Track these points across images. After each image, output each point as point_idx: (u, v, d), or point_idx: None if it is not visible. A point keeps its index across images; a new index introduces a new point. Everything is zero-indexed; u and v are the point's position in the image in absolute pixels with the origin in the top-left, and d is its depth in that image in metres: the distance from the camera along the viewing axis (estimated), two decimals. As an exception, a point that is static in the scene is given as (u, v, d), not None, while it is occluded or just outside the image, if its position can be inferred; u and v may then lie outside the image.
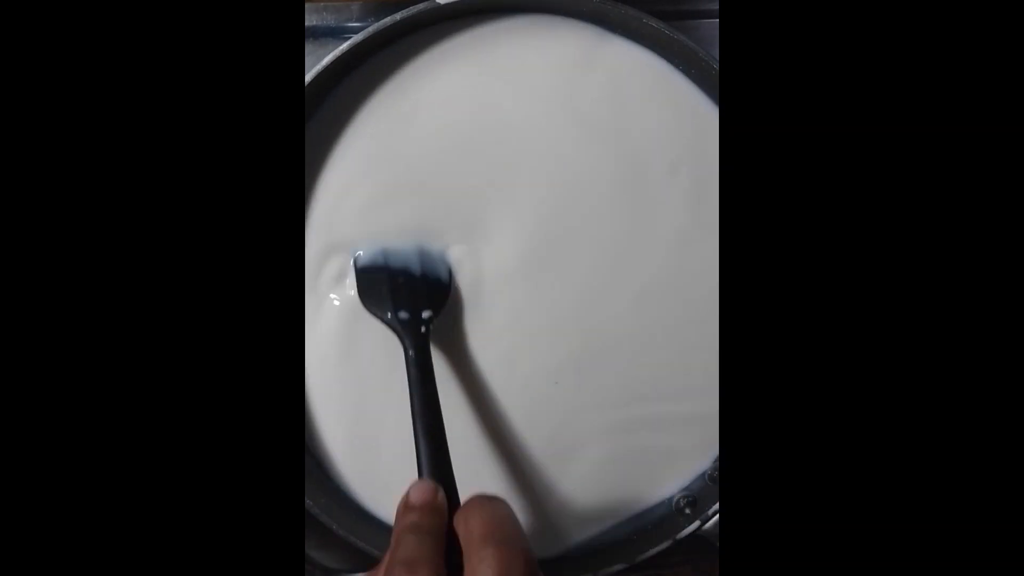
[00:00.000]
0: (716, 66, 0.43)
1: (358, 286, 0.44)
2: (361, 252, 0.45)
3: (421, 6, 0.42)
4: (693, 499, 0.47)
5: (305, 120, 0.44)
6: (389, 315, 0.43)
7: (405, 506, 0.34)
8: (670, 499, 0.47)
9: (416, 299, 0.43)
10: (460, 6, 0.43)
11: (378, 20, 0.46)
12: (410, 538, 0.32)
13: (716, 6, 0.49)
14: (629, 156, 0.45)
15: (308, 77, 0.42)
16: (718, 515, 0.45)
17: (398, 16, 0.42)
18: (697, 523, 0.45)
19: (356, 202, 0.45)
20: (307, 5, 0.47)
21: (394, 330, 0.43)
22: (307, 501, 0.44)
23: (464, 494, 0.35)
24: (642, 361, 0.46)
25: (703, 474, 0.47)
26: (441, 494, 0.34)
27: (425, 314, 0.43)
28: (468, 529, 0.31)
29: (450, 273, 0.45)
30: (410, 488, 0.35)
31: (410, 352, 0.41)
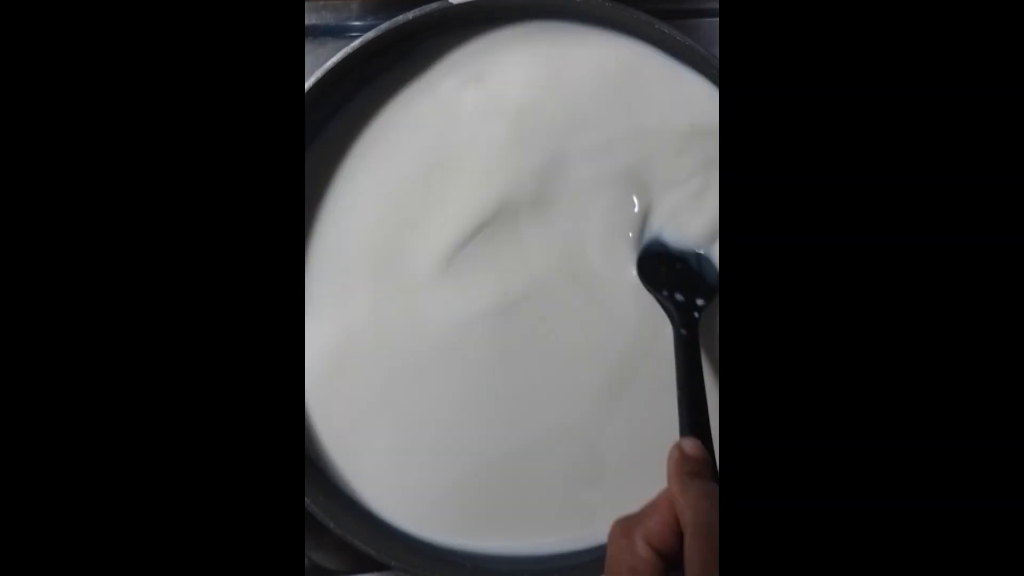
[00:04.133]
0: (717, 64, 0.43)
1: (639, 263, 0.46)
2: (645, 242, 0.47)
3: (433, 5, 0.42)
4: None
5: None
6: (665, 293, 0.45)
7: (681, 455, 0.35)
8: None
9: (692, 286, 0.45)
10: (471, 7, 0.42)
11: (377, 19, 0.46)
12: (703, 481, 0.33)
13: (716, 5, 0.49)
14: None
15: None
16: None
17: (410, 15, 0.42)
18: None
19: None
20: (307, 4, 0.46)
21: (666, 309, 0.45)
22: (306, 500, 0.44)
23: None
24: None
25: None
26: (708, 455, 0.36)
27: (699, 301, 0.45)
28: None
29: (715, 274, 0.47)
30: (681, 441, 0.36)
31: (682, 331, 0.43)
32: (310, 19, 0.47)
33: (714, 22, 0.50)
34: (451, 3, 0.42)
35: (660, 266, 0.46)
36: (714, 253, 0.46)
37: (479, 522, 0.47)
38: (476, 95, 0.46)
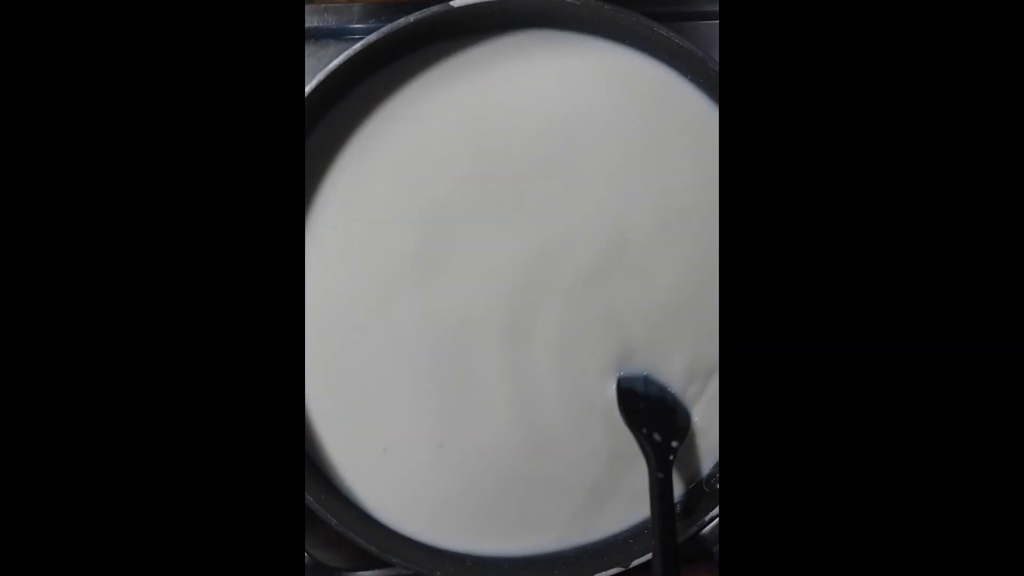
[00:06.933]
0: (716, 67, 0.43)
1: (619, 399, 0.46)
2: (623, 372, 0.47)
3: (435, 8, 0.42)
4: (690, 506, 0.47)
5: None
6: (644, 430, 0.45)
7: None
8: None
9: (668, 426, 0.46)
10: (474, 9, 0.42)
11: (379, 22, 0.46)
12: None
13: (716, 7, 0.50)
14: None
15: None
16: (716, 520, 0.46)
17: (412, 18, 0.42)
18: (693, 529, 0.46)
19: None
20: (308, 7, 0.46)
21: (644, 448, 0.45)
22: (307, 497, 0.44)
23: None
24: None
25: (700, 482, 0.48)
26: None
27: (674, 443, 0.45)
28: None
29: (688, 415, 0.47)
30: None
31: (659, 474, 0.43)
32: (312, 22, 0.47)
33: (713, 25, 0.50)
34: (453, 6, 0.42)
35: (639, 402, 0.46)
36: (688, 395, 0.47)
37: (479, 523, 0.47)
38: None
